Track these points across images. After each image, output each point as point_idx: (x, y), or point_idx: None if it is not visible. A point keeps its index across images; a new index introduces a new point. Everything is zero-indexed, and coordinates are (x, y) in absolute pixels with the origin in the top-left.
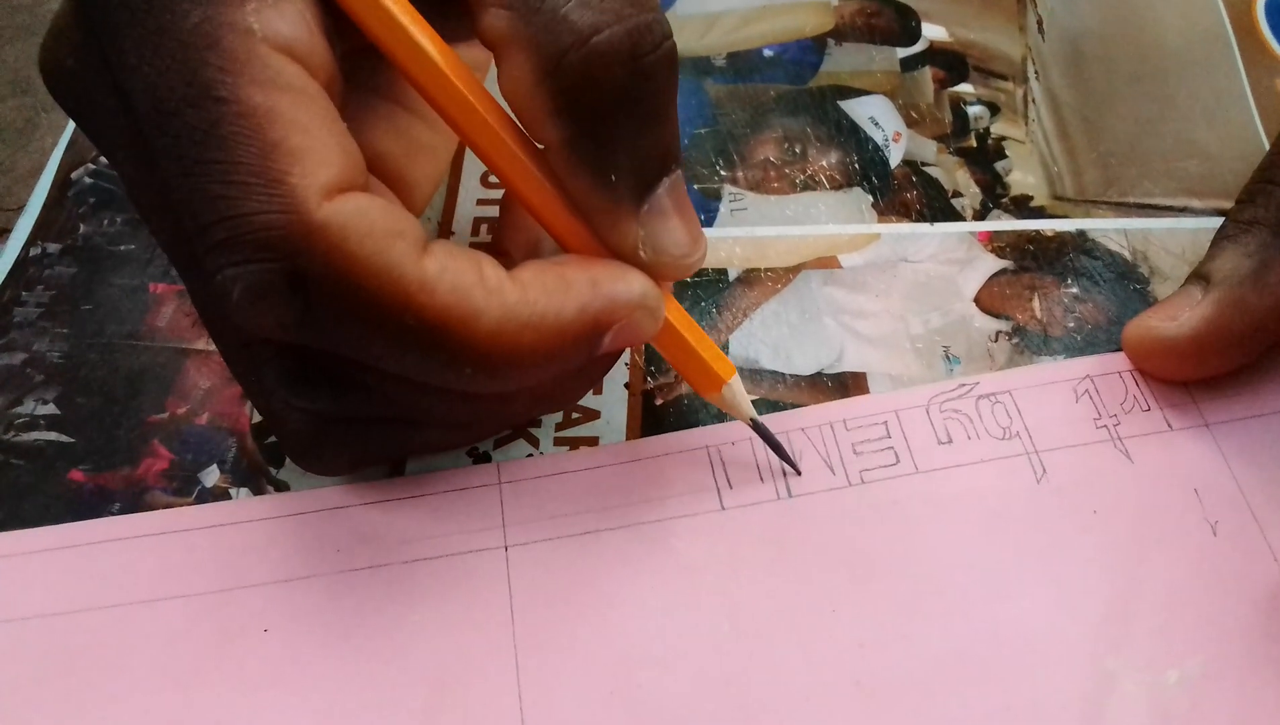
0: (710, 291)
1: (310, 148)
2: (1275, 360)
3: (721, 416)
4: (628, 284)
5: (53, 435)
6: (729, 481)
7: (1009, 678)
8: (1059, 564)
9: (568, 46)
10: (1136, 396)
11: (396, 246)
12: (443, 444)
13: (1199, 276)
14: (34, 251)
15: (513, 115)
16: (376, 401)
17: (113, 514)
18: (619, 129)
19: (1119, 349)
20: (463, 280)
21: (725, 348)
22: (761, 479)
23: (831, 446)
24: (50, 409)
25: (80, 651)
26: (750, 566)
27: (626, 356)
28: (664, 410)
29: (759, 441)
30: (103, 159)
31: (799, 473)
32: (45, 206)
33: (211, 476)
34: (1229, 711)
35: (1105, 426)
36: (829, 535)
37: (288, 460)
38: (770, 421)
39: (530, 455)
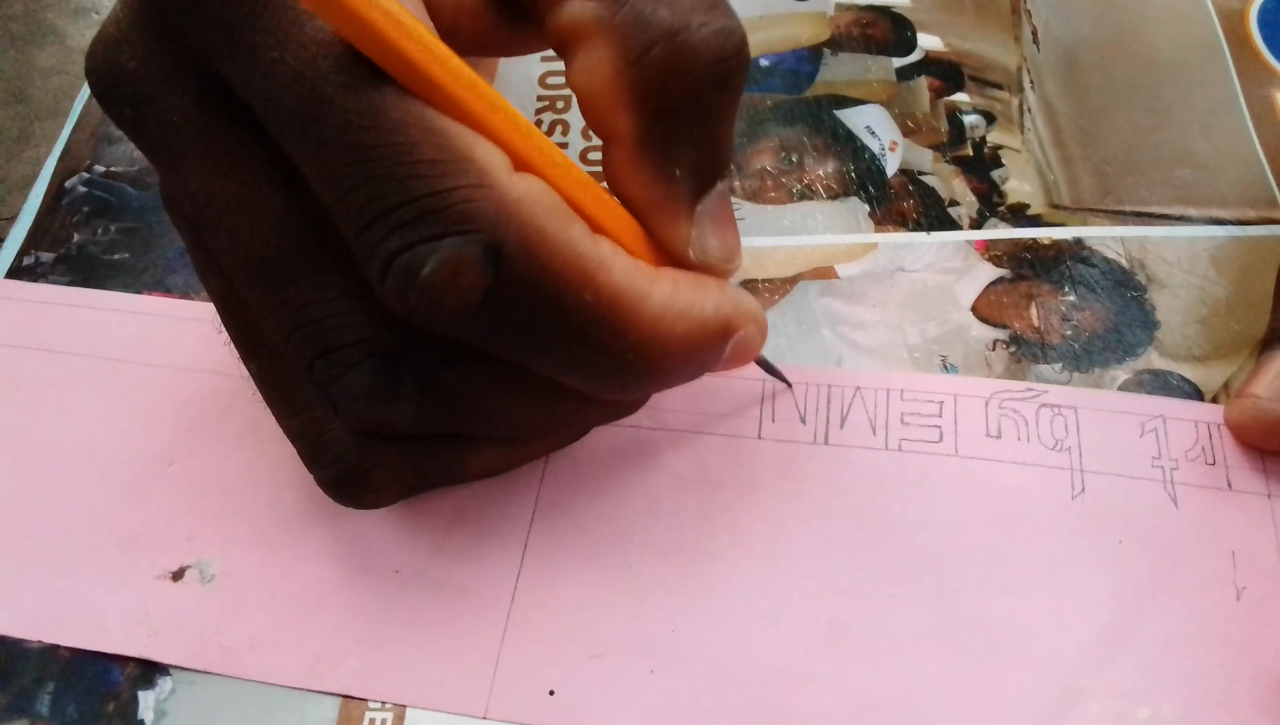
0: None
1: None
2: None
3: None
4: (745, 294)
5: None
6: (773, 416)
7: (979, 663)
8: (1067, 578)
9: (655, 40)
10: (1205, 447)
11: (575, 225)
12: (495, 466)
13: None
14: (27, 260)
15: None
16: (460, 410)
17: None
18: (690, 127)
19: (1128, 356)
20: (630, 263)
21: None
22: (804, 422)
23: (881, 410)
24: None
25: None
26: (765, 493)
27: None
28: None
29: (809, 391)
30: (98, 167)
31: (789, 386)
32: (39, 215)
33: None
34: None
35: (1161, 467)
36: (850, 486)
37: None
38: (828, 376)
39: None
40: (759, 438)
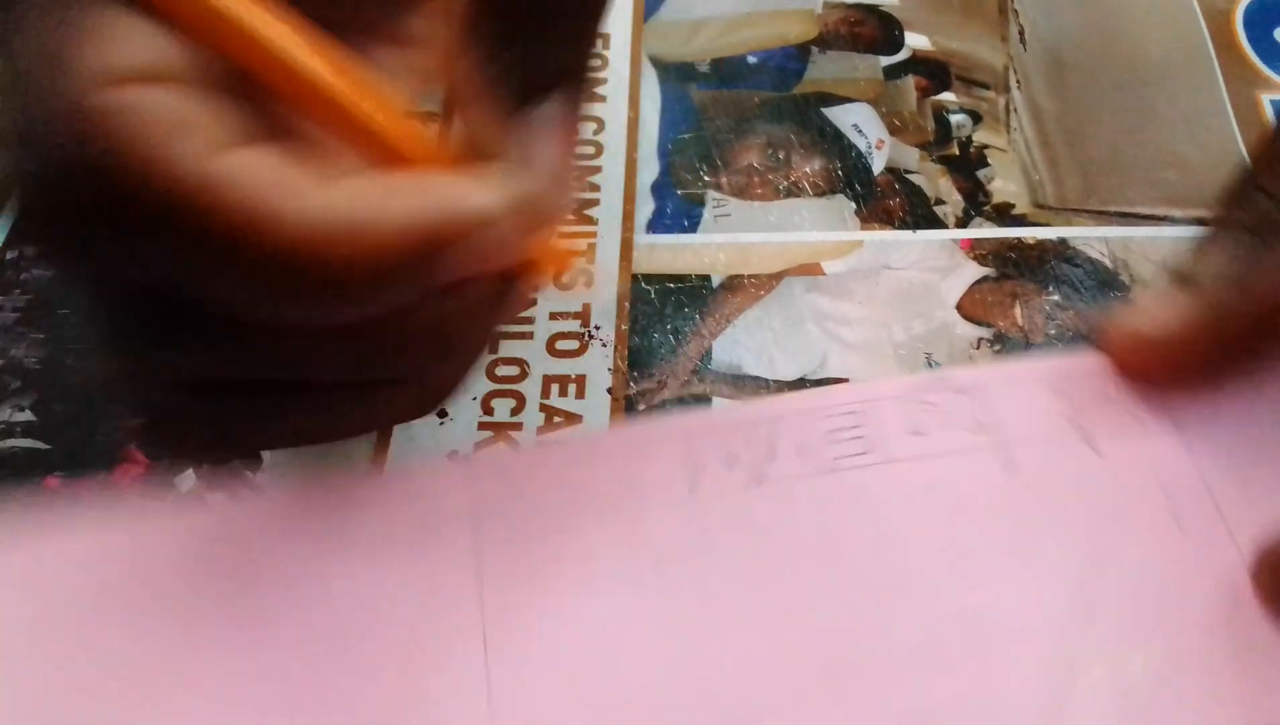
0: (694, 297)
1: (114, 33)
2: (1248, 364)
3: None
4: (465, 193)
5: (28, 442)
6: (702, 466)
7: (975, 664)
8: (1026, 554)
9: None
10: (1110, 395)
11: (177, 143)
12: (315, 423)
13: (1181, 278)
14: (10, 255)
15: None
16: (238, 354)
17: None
18: (532, 30)
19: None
20: (258, 181)
21: (709, 353)
22: (732, 466)
23: (805, 434)
24: (26, 416)
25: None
26: (719, 552)
27: (609, 362)
28: (646, 416)
29: (736, 429)
30: None
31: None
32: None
33: (187, 481)
34: (1192, 694)
35: (1077, 423)
36: (799, 521)
37: (266, 461)
38: (743, 409)
39: None
40: (692, 494)
